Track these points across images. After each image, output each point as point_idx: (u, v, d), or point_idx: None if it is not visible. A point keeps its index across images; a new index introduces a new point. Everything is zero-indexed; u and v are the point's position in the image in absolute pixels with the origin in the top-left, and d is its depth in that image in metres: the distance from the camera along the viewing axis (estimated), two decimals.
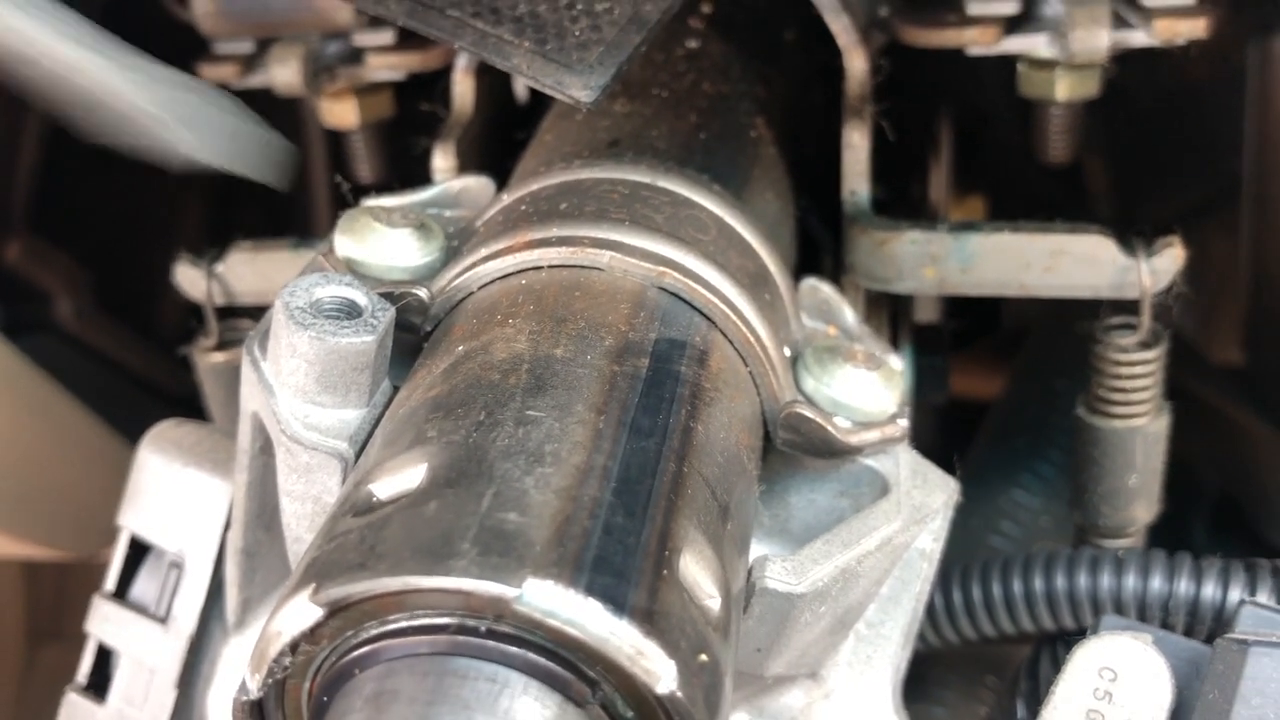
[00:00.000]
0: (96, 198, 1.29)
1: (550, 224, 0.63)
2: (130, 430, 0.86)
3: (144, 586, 0.75)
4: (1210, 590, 0.76)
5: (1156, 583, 0.77)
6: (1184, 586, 0.76)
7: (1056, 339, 1.24)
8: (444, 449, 0.50)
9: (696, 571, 0.49)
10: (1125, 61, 0.90)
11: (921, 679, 1.03)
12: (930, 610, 0.85)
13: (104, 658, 0.75)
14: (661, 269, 0.61)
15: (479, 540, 0.44)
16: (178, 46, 1.03)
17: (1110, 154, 1.51)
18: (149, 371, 1.27)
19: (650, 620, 0.44)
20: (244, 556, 0.68)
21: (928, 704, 1.02)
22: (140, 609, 0.74)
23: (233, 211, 1.34)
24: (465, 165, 0.86)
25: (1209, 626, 0.75)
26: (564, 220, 0.64)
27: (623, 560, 0.46)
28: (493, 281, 0.62)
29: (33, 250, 1.19)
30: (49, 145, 1.18)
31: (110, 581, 0.75)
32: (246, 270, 0.88)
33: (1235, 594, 0.75)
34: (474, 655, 0.44)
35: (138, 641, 0.73)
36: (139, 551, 0.76)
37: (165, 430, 0.76)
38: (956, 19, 0.87)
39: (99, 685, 0.74)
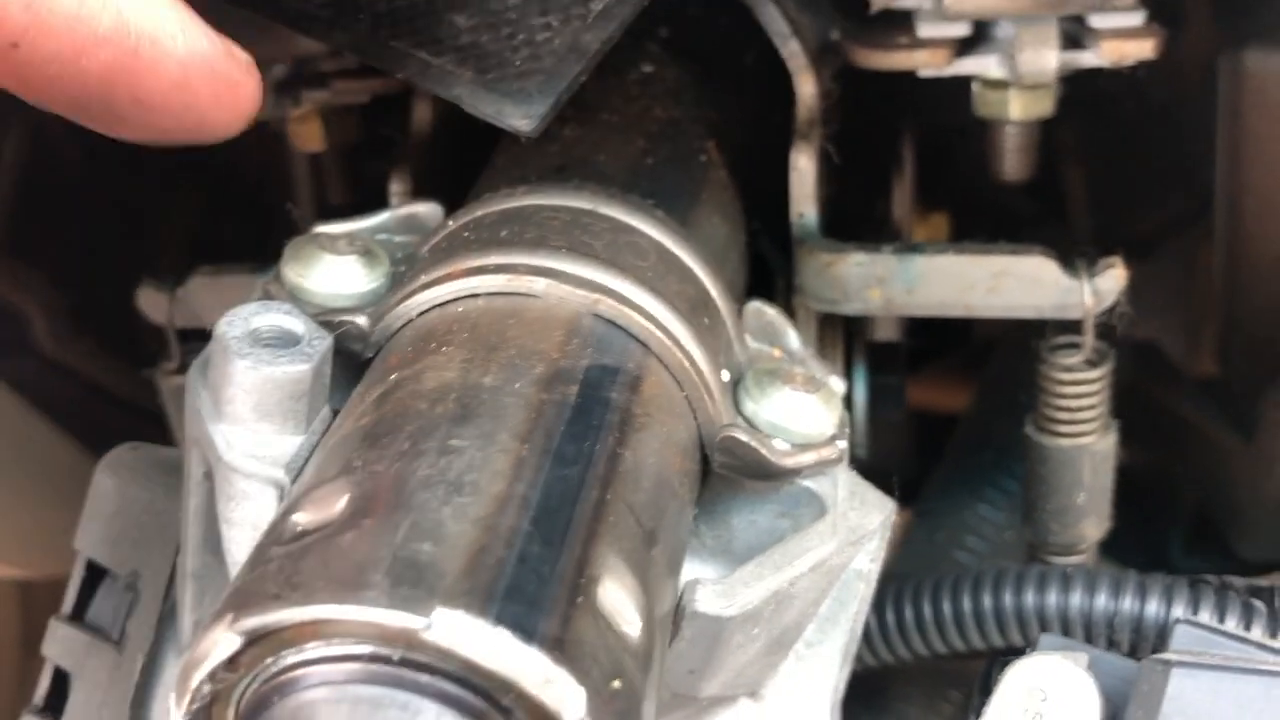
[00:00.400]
0: (75, 219, 1.31)
1: (489, 251, 0.64)
2: (102, 448, 0.87)
3: (100, 609, 0.76)
4: (1154, 608, 0.77)
5: (1102, 600, 0.77)
6: (1128, 604, 0.77)
7: (1023, 354, 1.25)
8: (366, 479, 0.51)
9: (616, 598, 0.50)
10: (1105, 71, 0.91)
11: (883, 693, 1.04)
12: (884, 626, 0.86)
13: (61, 680, 0.76)
14: (597, 296, 0.62)
15: (391, 571, 0.45)
16: None
17: (1089, 164, 1.51)
18: (128, 393, 1.29)
19: (560, 648, 0.45)
20: (193, 580, 0.69)
21: (889, 718, 1.03)
22: (95, 631, 0.75)
23: (215, 232, 1.36)
24: (423, 189, 0.87)
25: (1152, 644, 0.76)
26: (502, 248, 0.65)
27: (536, 589, 0.47)
28: (431, 309, 0.63)
29: (9, 272, 1.21)
30: (26, 166, 1.19)
31: (67, 604, 0.76)
32: (207, 294, 0.89)
33: (1178, 611, 0.76)
34: (387, 683, 0.45)
35: (92, 664, 0.74)
36: (96, 575, 0.77)
37: (121, 454, 0.77)
38: (908, 41, 0.88)
39: (55, 707, 0.75)
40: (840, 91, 1.05)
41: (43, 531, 1.11)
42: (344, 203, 1.06)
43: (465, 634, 0.44)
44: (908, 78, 0.90)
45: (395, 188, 0.86)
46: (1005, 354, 1.29)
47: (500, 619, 0.45)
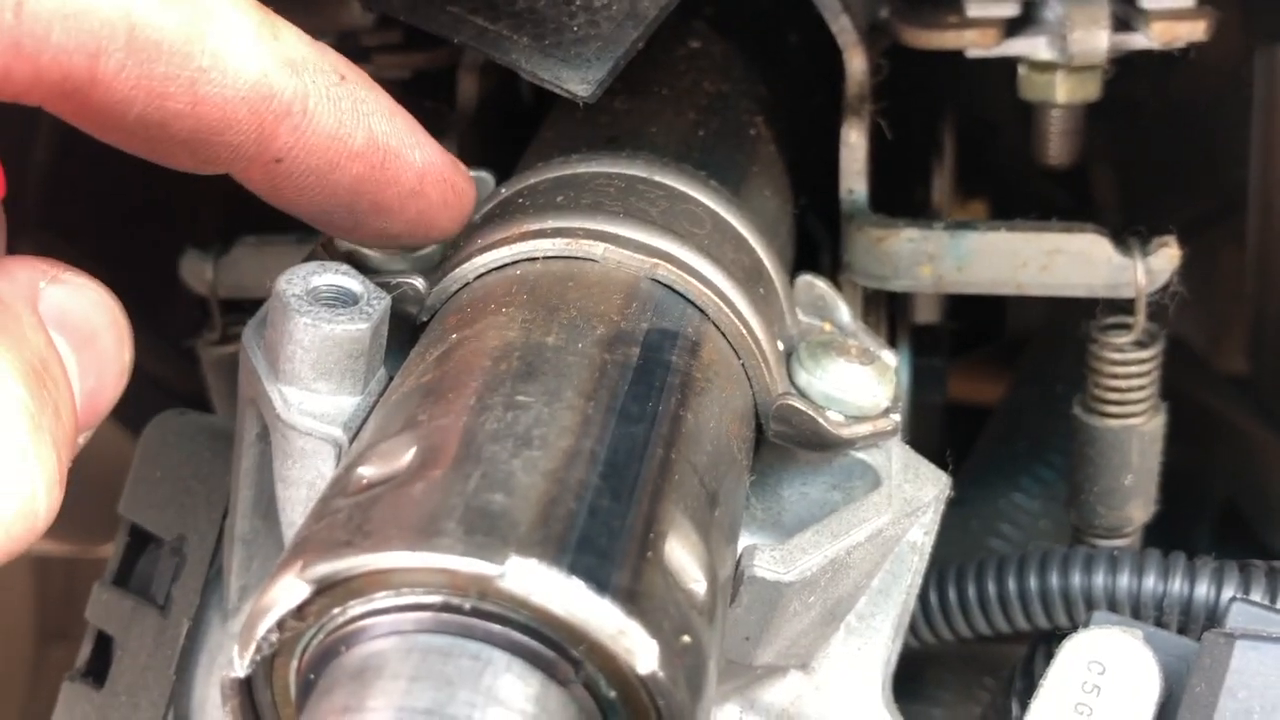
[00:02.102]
0: (108, 195, 1.30)
1: (546, 216, 0.64)
2: (139, 426, 0.86)
3: (144, 574, 0.76)
4: (1204, 589, 0.76)
5: (1151, 581, 0.77)
6: (1178, 585, 0.76)
7: (1057, 345, 1.24)
8: (433, 432, 0.50)
9: (682, 556, 0.50)
10: (1135, 70, 0.90)
11: (918, 679, 1.03)
12: (927, 607, 0.85)
13: (104, 645, 0.76)
14: (655, 261, 0.62)
15: (465, 520, 0.45)
16: None
17: (1118, 163, 1.51)
18: (159, 369, 1.28)
19: (633, 600, 0.45)
20: (241, 544, 0.69)
21: (924, 704, 1.02)
22: (140, 596, 0.74)
23: (248, 206, 1.35)
24: (468, 162, 0.87)
25: (1202, 625, 0.76)
26: (559, 212, 0.64)
27: (607, 542, 0.46)
28: (489, 272, 0.63)
29: (43, 246, 1.20)
30: (62, 141, 1.19)
31: (110, 570, 0.76)
32: (251, 263, 0.89)
33: (1229, 593, 0.76)
34: (458, 633, 0.45)
35: (137, 629, 0.74)
36: (141, 540, 0.77)
37: (166, 420, 0.77)
38: (957, 20, 0.87)
39: (98, 673, 0.75)
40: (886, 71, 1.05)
41: (72, 502, 1.10)
42: None
43: (540, 582, 0.44)
44: (950, 61, 0.89)
45: None
46: (1040, 345, 1.29)
47: (574, 569, 0.44)
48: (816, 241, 0.88)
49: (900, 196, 1.07)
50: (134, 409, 1.17)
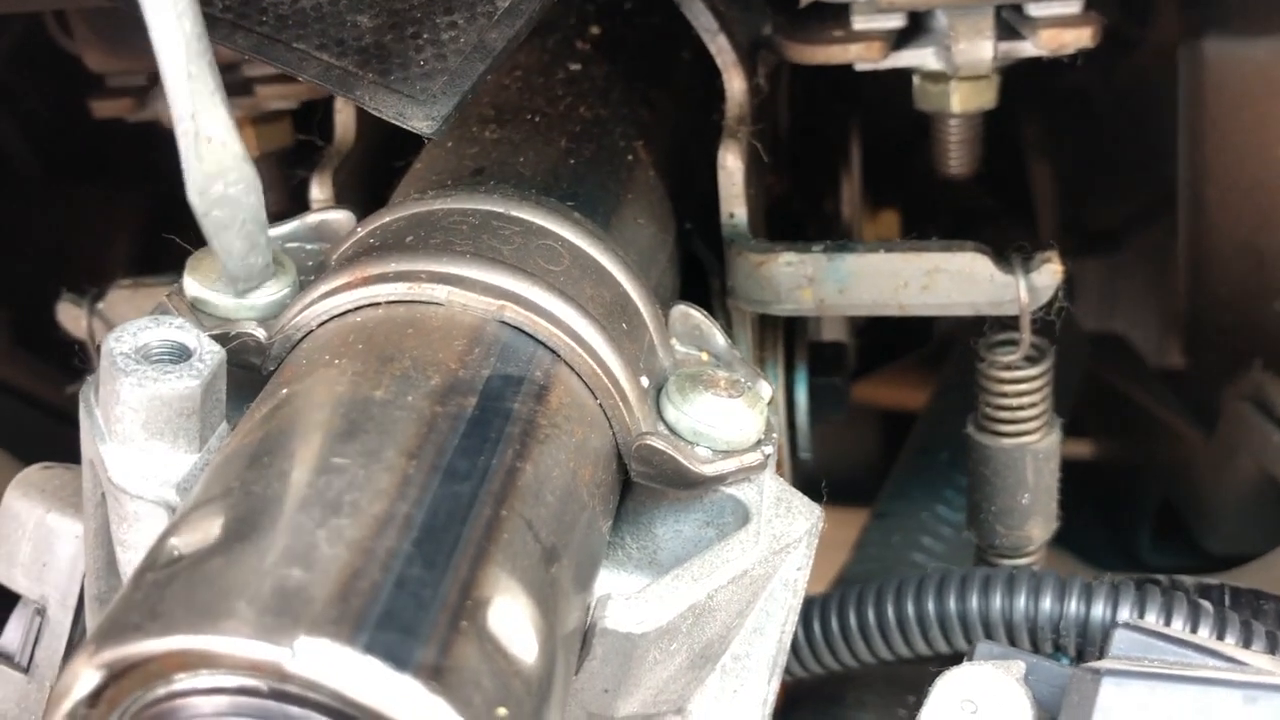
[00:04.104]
0: (16, 234, 1.28)
1: (390, 258, 0.62)
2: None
3: (10, 635, 0.73)
4: (1099, 611, 0.75)
5: (1046, 604, 0.75)
6: (1073, 607, 0.75)
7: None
8: (242, 500, 0.48)
9: (507, 620, 0.48)
10: (1073, 66, 0.89)
11: (839, 700, 1.01)
12: (827, 634, 0.84)
13: None
14: (502, 303, 0.60)
15: (256, 599, 0.43)
16: (88, 80, 1.02)
17: (1055, 162, 1.50)
18: (70, 409, 1.26)
19: (437, 676, 0.43)
20: (98, 604, 0.67)
21: None
22: (5, 659, 0.72)
23: (160, 245, 1.33)
24: (344, 196, 0.85)
25: (1098, 648, 0.74)
26: (405, 254, 0.62)
27: (413, 614, 0.44)
28: (330, 319, 0.61)
29: None
30: None
31: None
32: (127, 307, 0.86)
33: (1124, 614, 0.74)
34: (255, 715, 0.43)
35: (1, 692, 0.72)
36: (8, 600, 0.75)
37: (31, 475, 0.75)
38: (843, 35, 0.86)
39: None
40: (786, 87, 1.03)
41: None
42: (278, 211, 1.03)
43: (331, 663, 0.42)
44: (853, 73, 0.88)
45: (316, 194, 0.84)
46: (961, 352, 1.28)
47: (370, 647, 0.42)
48: (706, 267, 0.86)
49: (810, 211, 1.06)
50: (42, 450, 1.15)
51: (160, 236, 1.30)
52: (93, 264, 1.29)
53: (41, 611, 0.72)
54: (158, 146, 1.28)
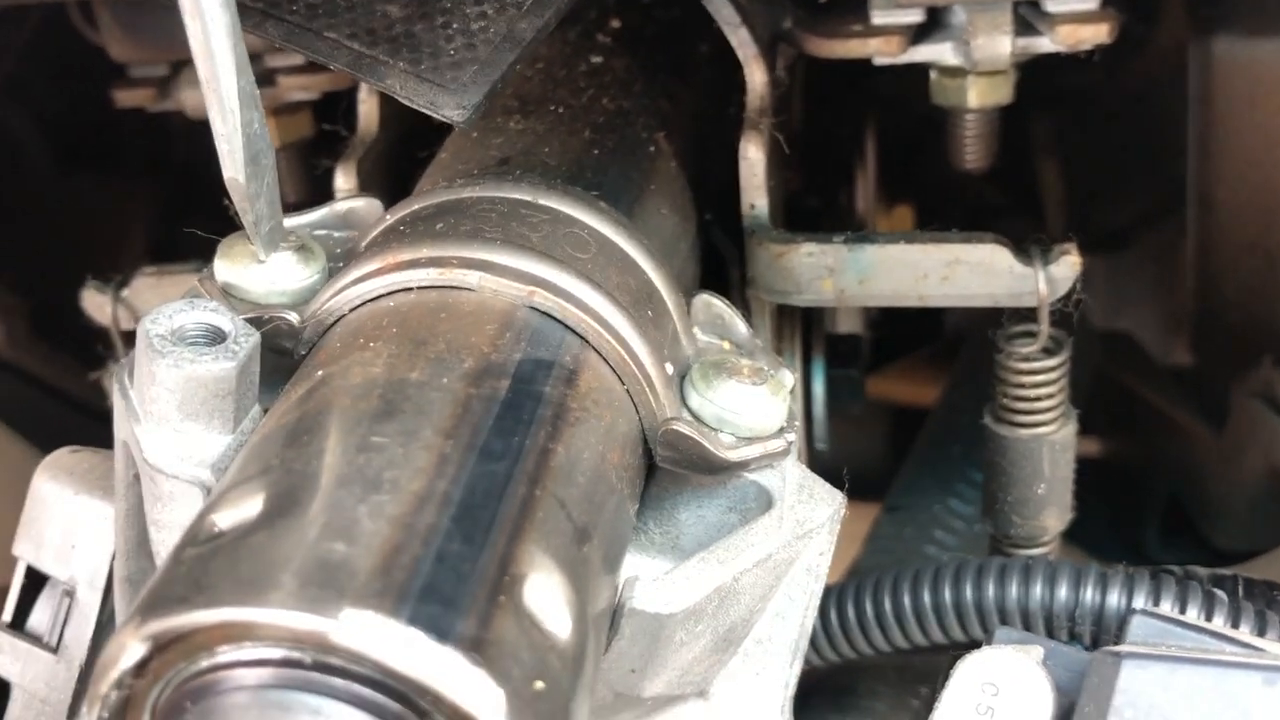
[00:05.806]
0: (32, 224, 1.29)
1: (421, 245, 0.63)
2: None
3: (39, 616, 0.74)
4: (1115, 599, 0.75)
5: (1062, 592, 0.76)
6: (1089, 596, 0.76)
7: (991, 345, 1.24)
8: (283, 477, 0.49)
9: (542, 596, 0.49)
10: (1080, 66, 0.89)
11: (852, 691, 1.02)
12: (844, 622, 0.84)
13: (2, 688, 0.74)
14: (531, 288, 0.61)
15: (301, 571, 0.44)
16: (104, 71, 1.03)
17: (1064, 160, 1.50)
18: (84, 396, 1.27)
19: (478, 648, 0.44)
20: (128, 585, 0.68)
21: (858, 715, 1.01)
22: (34, 639, 0.73)
23: (177, 233, 1.34)
24: (368, 185, 0.86)
25: (1113, 636, 0.75)
26: (436, 240, 0.63)
27: (453, 588, 0.45)
28: (363, 304, 0.62)
29: None
30: None
31: (6, 612, 0.75)
32: (151, 294, 0.87)
33: (1140, 602, 0.75)
34: (299, 687, 0.44)
35: (31, 672, 0.72)
36: (37, 581, 0.75)
37: (60, 458, 0.76)
38: (862, 29, 0.86)
39: None
40: (801, 82, 1.04)
41: None
42: (299, 200, 1.05)
43: (375, 635, 0.43)
44: (867, 69, 0.88)
45: (340, 184, 0.84)
46: (973, 346, 1.28)
47: (413, 619, 0.43)
48: (725, 257, 0.87)
49: (824, 205, 1.06)
50: (59, 438, 1.16)
51: (175, 226, 1.32)
52: (108, 254, 1.30)
53: (70, 593, 0.72)
54: (172, 138, 1.29)
